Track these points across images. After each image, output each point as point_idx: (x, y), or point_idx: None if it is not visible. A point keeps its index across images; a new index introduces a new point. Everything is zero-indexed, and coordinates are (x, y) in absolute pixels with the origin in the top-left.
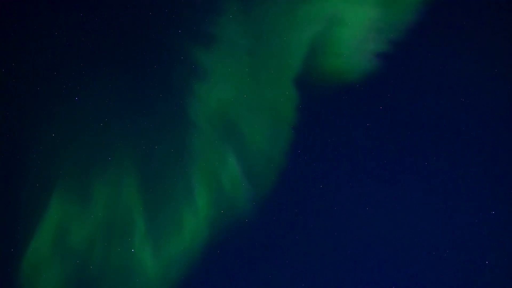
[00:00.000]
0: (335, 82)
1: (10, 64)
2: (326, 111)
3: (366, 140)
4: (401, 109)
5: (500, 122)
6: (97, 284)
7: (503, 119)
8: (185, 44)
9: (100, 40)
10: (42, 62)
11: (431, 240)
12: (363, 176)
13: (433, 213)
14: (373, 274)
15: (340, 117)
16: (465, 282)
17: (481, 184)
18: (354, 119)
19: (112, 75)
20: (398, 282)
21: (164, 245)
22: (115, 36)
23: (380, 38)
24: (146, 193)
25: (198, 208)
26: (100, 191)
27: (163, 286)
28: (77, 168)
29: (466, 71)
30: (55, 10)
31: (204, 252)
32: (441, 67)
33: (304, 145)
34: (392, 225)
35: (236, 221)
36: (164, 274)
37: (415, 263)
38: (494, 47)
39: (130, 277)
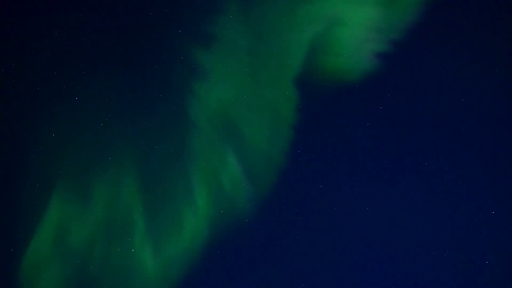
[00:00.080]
0: (335, 82)
1: (10, 64)
2: (326, 111)
3: (366, 140)
4: (401, 109)
5: (500, 122)
6: (97, 284)
7: (503, 119)
8: (185, 44)
9: (100, 40)
10: (42, 62)
11: (431, 240)
12: (363, 176)
13: (433, 213)
14: (373, 274)
15: (340, 117)
16: (465, 282)
17: (481, 184)
18: (354, 119)
19: (112, 75)
20: (398, 282)
21: (164, 245)
22: (115, 36)
23: (380, 38)
24: (146, 193)
25: (198, 208)
26: (100, 191)
27: (163, 286)
28: (77, 168)
29: (466, 71)
30: (55, 10)
31: (204, 252)
32: (441, 67)
33: (304, 145)
34: (392, 225)
35: (236, 221)
36: (164, 274)
37: (415, 263)
38: (494, 47)
39: (130, 277)
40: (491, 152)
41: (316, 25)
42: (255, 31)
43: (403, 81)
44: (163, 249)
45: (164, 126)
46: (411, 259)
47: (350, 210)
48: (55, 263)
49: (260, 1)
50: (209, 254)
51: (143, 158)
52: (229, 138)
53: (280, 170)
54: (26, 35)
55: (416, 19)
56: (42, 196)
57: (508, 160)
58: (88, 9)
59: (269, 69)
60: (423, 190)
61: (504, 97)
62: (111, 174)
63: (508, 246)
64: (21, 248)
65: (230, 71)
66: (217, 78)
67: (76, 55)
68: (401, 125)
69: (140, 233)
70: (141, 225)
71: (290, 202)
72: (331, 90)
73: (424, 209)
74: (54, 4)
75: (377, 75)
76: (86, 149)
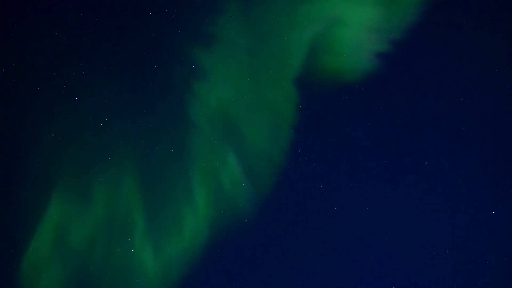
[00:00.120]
0: (335, 82)
1: (10, 64)
2: (326, 111)
3: (366, 140)
4: (401, 109)
5: (500, 122)
6: (97, 284)
7: (503, 119)
8: (185, 44)
9: (100, 40)
10: (42, 62)
11: (431, 240)
12: (363, 176)
13: (433, 213)
14: (373, 274)
15: (340, 117)
16: (465, 282)
17: (481, 184)
18: (354, 119)
19: (112, 75)
20: (398, 282)
21: (164, 245)
22: (115, 36)
23: (380, 38)
24: (146, 193)
25: (198, 208)
26: (100, 191)
27: (163, 286)
28: (77, 168)
29: (466, 71)
30: (55, 10)
31: (204, 252)
32: (441, 67)
33: (304, 145)
34: (392, 225)
35: (236, 221)
36: (164, 274)
37: (415, 263)
38: (494, 47)
39: (130, 277)
40: (491, 152)
41: (316, 25)
42: (255, 31)
43: (403, 81)
44: (163, 249)
45: (164, 126)
46: (411, 259)
47: (350, 210)
48: (55, 263)
49: (260, 1)
50: (209, 254)
51: (143, 158)
52: (229, 138)
53: (280, 170)
54: (26, 35)
55: (416, 19)
56: (42, 196)
57: (508, 160)
58: (88, 9)
59: (269, 69)
60: (423, 190)
61: (504, 97)
62: (111, 174)
63: (508, 246)
64: (21, 248)
65: (230, 71)
66: (217, 78)
67: (76, 55)
68: (401, 125)
69: (140, 233)
70: (141, 225)
71: (290, 202)
72: (331, 90)
73: (424, 209)
74: (54, 4)
75: (377, 75)
76: (86, 149)
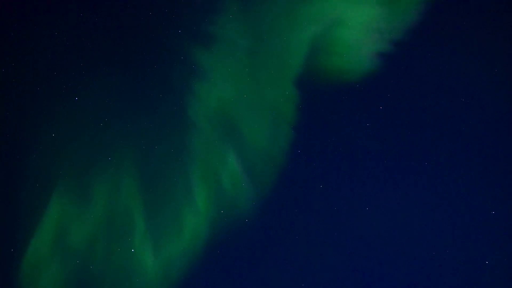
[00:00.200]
0: (335, 82)
1: (10, 64)
2: (326, 111)
3: (366, 140)
4: (401, 109)
5: (500, 122)
6: (97, 284)
7: (503, 119)
8: (185, 44)
9: (100, 40)
10: (42, 62)
11: (431, 240)
12: (363, 176)
13: (433, 213)
14: (373, 274)
15: (340, 117)
16: (465, 282)
17: (481, 184)
18: (354, 119)
19: (112, 75)
20: (398, 282)
21: (164, 245)
22: (115, 36)
23: (380, 38)
24: (146, 193)
25: (198, 208)
26: (100, 191)
27: (163, 286)
28: (77, 168)
29: (466, 71)
30: (55, 10)
31: (204, 252)
32: (441, 67)
33: (304, 145)
34: (392, 224)
35: (236, 221)
36: (164, 274)
37: (415, 263)
38: (494, 47)
39: (130, 277)
40: (491, 152)
41: (316, 25)
42: (255, 31)
43: (403, 81)
44: (163, 249)
45: (164, 126)
46: (411, 259)
47: (350, 210)
48: (55, 263)
49: (260, 1)
50: (209, 254)
51: (143, 158)
52: (229, 138)
53: (280, 170)
54: (26, 35)
55: (416, 19)
56: (42, 196)
57: (508, 160)
58: (88, 9)
59: (269, 69)
60: (423, 190)
61: (504, 97)
62: (111, 174)
63: (508, 246)
64: (21, 248)
65: (230, 71)
66: (217, 78)
67: (76, 55)
68: (401, 125)
69: (140, 233)
70: (141, 225)
71: (290, 202)
72: (331, 90)
73: (424, 209)
74: (54, 4)
75: (377, 75)
76: (86, 149)
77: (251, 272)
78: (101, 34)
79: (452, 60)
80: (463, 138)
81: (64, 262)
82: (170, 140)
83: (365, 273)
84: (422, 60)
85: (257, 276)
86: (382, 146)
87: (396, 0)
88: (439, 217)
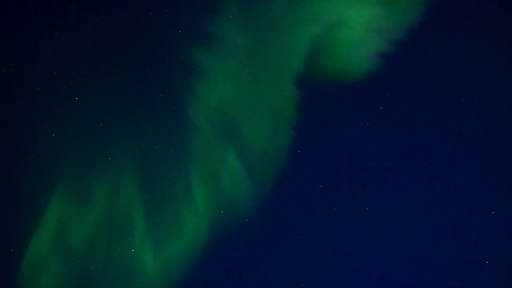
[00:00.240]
0: (335, 82)
1: (10, 64)
2: (326, 111)
3: (366, 140)
4: (401, 109)
5: (500, 122)
6: (97, 284)
7: (503, 119)
8: (185, 44)
9: (100, 40)
10: (42, 62)
11: (431, 240)
12: (363, 176)
13: (433, 213)
14: (373, 274)
15: (340, 117)
16: (465, 282)
17: (481, 184)
18: (354, 119)
19: (112, 75)
20: (398, 282)
21: (164, 245)
22: (115, 36)
23: (380, 38)
24: (146, 193)
25: (198, 208)
26: (100, 191)
27: (163, 286)
28: (77, 168)
29: (466, 71)
30: (55, 10)
31: (204, 252)
32: (441, 67)
33: (304, 145)
34: (392, 224)
35: (236, 221)
36: (164, 274)
37: (415, 263)
38: (494, 47)
39: (130, 277)
40: (491, 152)
41: (316, 25)
42: (255, 31)
43: (403, 81)
44: (163, 249)
45: (164, 126)
46: (411, 259)
47: (350, 210)
48: (55, 263)
49: (260, 1)
50: (209, 254)
51: (143, 158)
52: (229, 138)
53: (280, 170)
54: (26, 35)
55: (416, 19)
56: (42, 196)
57: (508, 160)
58: (88, 9)
59: (269, 69)
60: (423, 190)
61: (504, 97)
62: (111, 174)
63: (508, 246)
64: (21, 248)
65: (230, 71)
66: (217, 78)
67: (76, 55)
68: (401, 125)
69: (140, 233)
70: (141, 225)
71: (290, 202)
72: (331, 90)
73: (424, 209)
74: (54, 4)
75: (377, 75)
76: (86, 149)
77: (251, 272)
78: (101, 34)
79: (452, 60)
80: (463, 138)
81: (64, 262)
82: (170, 140)
83: (365, 273)
84: (422, 60)
85: (257, 276)
86: (382, 146)
87: (396, 0)
88: (439, 217)
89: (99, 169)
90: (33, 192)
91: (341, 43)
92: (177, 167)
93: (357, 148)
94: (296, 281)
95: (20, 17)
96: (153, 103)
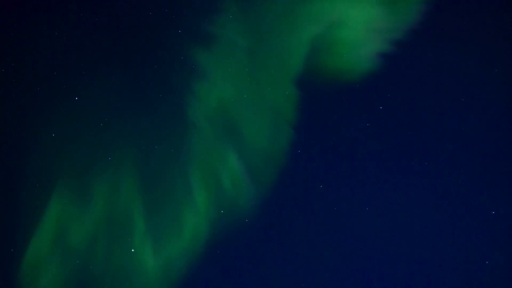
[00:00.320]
0: (335, 82)
1: (10, 64)
2: (327, 111)
3: (366, 140)
4: (401, 109)
5: (500, 122)
6: (97, 284)
7: (503, 119)
8: (185, 44)
9: (100, 40)
10: (42, 62)
11: (431, 240)
12: (363, 176)
13: (433, 213)
14: (374, 274)
15: (340, 117)
16: (465, 282)
17: (481, 184)
18: (354, 119)
19: (112, 75)
20: (398, 282)
21: (164, 245)
22: (115, 36)
23: (380, 38)
24: (146, 193)
25: (198, 208)
26: (100, 191)
27: (163, 286)
28: (77, 168)
29: (466, 71)
30: (55, 10)
31: (204, 252)
32: (441, 67)
33: (304, 145)
34: (392, 224)
35: (236, 221)
36: (164, 274)
37: (415, 263)
38: (494, 47)
39: (130, 277)
40: (491, 152)
41: (316, 25)
42: (255, 31)
43: (403, 81)
44: (163, 249)
45: (164, 126)
46: (412, 259)
47: (350, 210)
48: (55, 263)
49: (260, 1)
50: (209, 254)
51: (143, 158)
52: (229, 138)
53: (280, 170)
54: (26, 35)
55: (416, 19)
56: (42, 196)
57: (508, 160)
58: (88, 9)
59: (269, 69)
60: (423, 190)
61: (504, 97)
62: (111, 174)
63: (508, 246)
64: (21, 248)
65: (230, 71)
66: (217, 78)
67: (76, 55)
68: (401, 125)
69: (140, 233)
70: (141, 225)
71: (290, 202)
72: (331, 90)
73: (424, 209)
74: (54, 4)
75: (377, 75)
76: (86, 149)
77: (251, 272)
78: (101, 34)
79: (452, 60)
80: (463, 138)
81: (64, 262)
82: (170, 140)
83: (365, 273)
84: (422, 60)
85: (257, 276)
86: (382, 146)
87: (396, 0)
88: (439, 217)
89: (99, 169)
90: (33, 192)
91: (341, 43)
92: (177, 167)
93: (357, 148)
94: (296, 281)
95: (20, 17)
96: (153, 103)
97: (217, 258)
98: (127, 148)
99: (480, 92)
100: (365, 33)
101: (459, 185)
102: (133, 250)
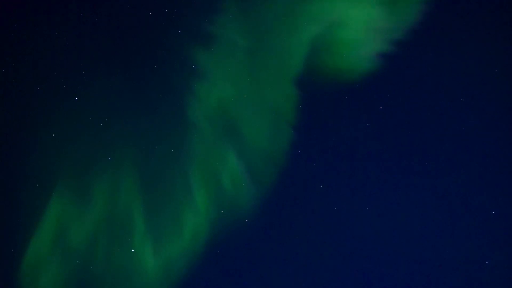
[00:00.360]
0: (335, 82)
1: (10, 64)
2: (327, 111)
3: (366, 140)
4: (401, 109)
5: (500, 122)
6: (97, 284)
7: (503, 119)
8: (185, 44)
9: (100, 40)
10: (42, 62)
11: (431, 240)
12: (363, 176)
13: (434, 213)
14: (374, 274)
15: (341, 117)
16: (465, 282)
17: (481, 184)
18: (354, 119)
19: (112, 75)
20: (398, 282)
21: (164, 245)
22: (115, 36)
23: (380, 38)
24: (146, 193)
25: (198, 208)
26: (100, 191)
27: (163, 286)
28: (77, 168)
29: (466, 71)
30: (55, 10)
31: (204, 252)
32: (441, 67)
33: (304, 145)
34: (392, 224)
35: (236, 221)
36: (164, 274)
37: (415, 263)
38: (494, 47)
39: (130, 277)
40: (492, 152)
41: (316, 25)
42: (255, 31)
43: (403, 81)
44: (163, 249)
45: (164, 126)
46: (412, 259)
47: (350, 210)
48: (55, 263)
49: (260, 1)
50: (209, 254)
51: (143, 158)
52: (229, 138)
53: (280, 170)
54: (26, 35)
55: (416, 19)
56: (42, 196)
57: (508, 160)
58: (88, 9)
59: (269, 69)
60: (423, 190)
61: (505, 97)
62: (111, 174)
63: (508, 246)
64: (21, 248)
65: (230, 71)
66: (217, 78)
67: (76, 55)
68: (402, 125)
69: (140, 233)
70: (141, 225)
71: (290, 202)
72: (331, 90)
73: (424, 209)
74: (54, 4)
75: (377, 75)
76: (86, 149)
77: (251, 272)
78: (101, 34)
79: (452, 60)
80: (463, 138)
81: (64, 262)
82: (170, 140)
83: (365, 273)
84: (422, 60)
85: (257, 276)
86: (382, 146)
87: (396, 0)
88: (439, 217)
89: (99, 169)
90: (33, 192)
91: (341, 43)
92: (177, 167)
93: (357, 148)
94: (296, 281)
95: (20, 17)
96: (153, 103)
97: (217, 258)
98: (127, 148)
99: (480, 92)
100: (365, 33)
101: (459, 185)
102: (133, 250)
